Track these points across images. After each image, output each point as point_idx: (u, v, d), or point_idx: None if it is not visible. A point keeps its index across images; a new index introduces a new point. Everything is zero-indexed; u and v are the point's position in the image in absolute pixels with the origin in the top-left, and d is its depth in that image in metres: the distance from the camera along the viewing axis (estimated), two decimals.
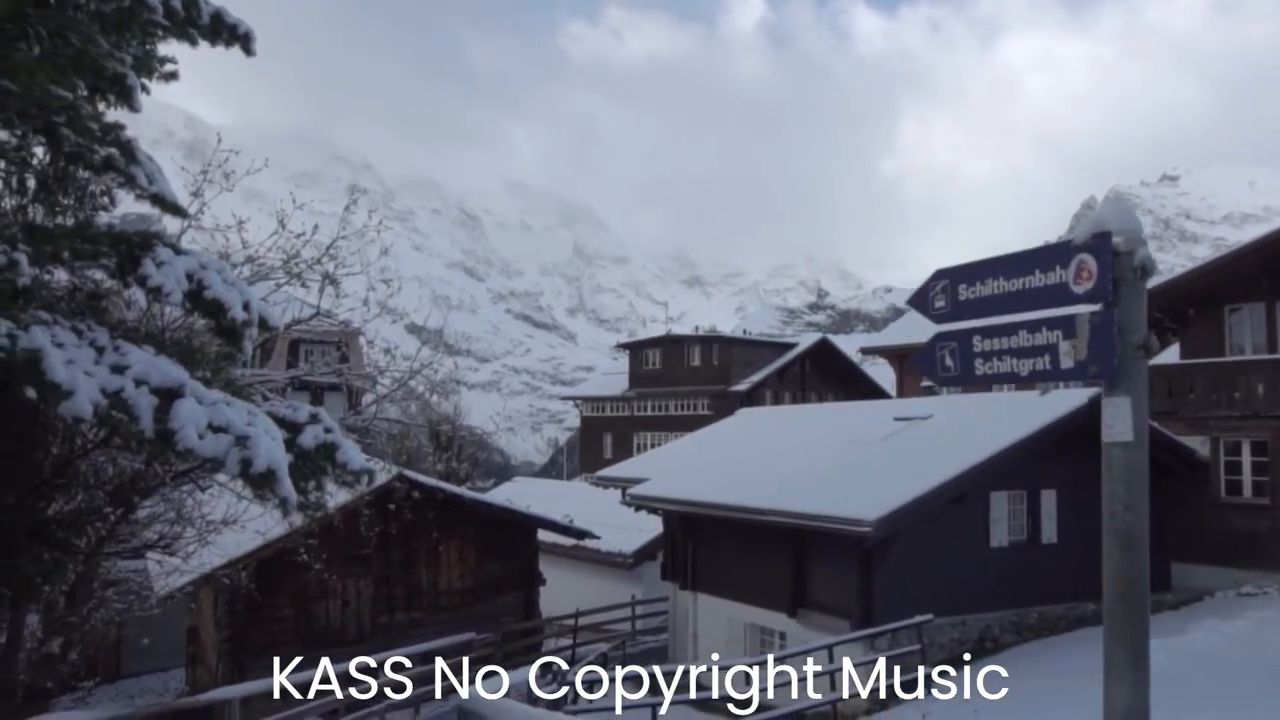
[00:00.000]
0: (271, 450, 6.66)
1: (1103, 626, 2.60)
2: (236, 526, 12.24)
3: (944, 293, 3.13)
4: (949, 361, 2.99)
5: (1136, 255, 2.60)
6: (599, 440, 54.13)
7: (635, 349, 53.70)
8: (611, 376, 58.08)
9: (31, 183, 9.92)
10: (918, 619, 13.34)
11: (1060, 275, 2.76)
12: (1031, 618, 15.44)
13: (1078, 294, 2.69)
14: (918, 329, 43.78)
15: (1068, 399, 16.49)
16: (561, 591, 24.43)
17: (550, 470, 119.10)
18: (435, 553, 19.89)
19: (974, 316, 3.04)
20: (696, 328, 55.16)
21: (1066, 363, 2.67)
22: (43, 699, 11.82)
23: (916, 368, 3.20)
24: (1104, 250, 2.63)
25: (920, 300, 3.25)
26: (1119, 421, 2.51)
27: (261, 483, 6.57)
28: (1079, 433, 16.23)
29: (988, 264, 3.04)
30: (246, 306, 7.76)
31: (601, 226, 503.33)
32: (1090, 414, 16.07)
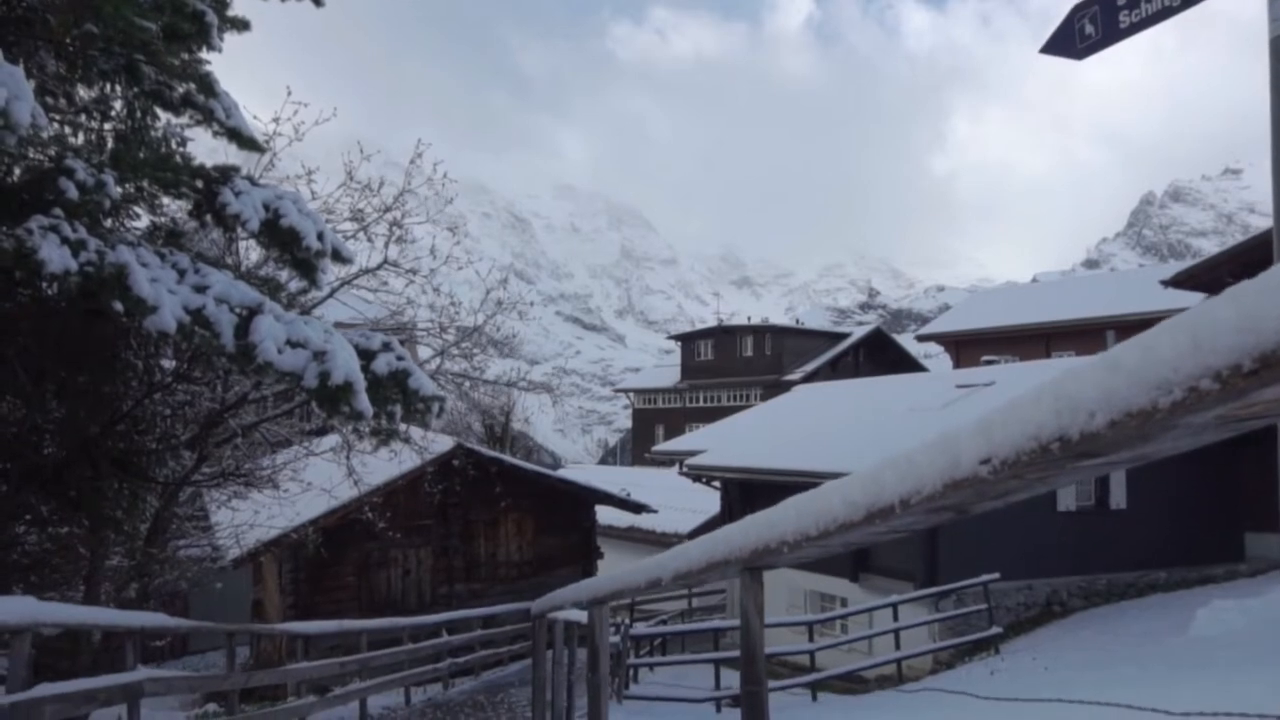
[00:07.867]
0: (349, 363, 6.76)
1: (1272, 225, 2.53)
2: (302, 483, 12.52)
3: None
4: (1089, 29, 2.95)
5: None
6: (650, 432, 54.08)
7: (687, 340, 53.55)
8: (663, 369, 58.08)
9: (110, 141, 10.23)
10: (984, 578, 13.14)
11: None
12: (1100, 584, 15.13)
13: None
14: (974, 316, 43.15)
15: None
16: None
17: None
18: (494, 525, 20.05)
19: None
20: (749, 318, 54.86)
21: None
22: (118, 647, 12.15)
23: (1049, 52, 3.15)
24: None
25: None
26: None
27: (339, 396, 6.66)
28: None
29: None
30: (320, 236, 7.91)
31: (649, 228, 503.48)
32: None
